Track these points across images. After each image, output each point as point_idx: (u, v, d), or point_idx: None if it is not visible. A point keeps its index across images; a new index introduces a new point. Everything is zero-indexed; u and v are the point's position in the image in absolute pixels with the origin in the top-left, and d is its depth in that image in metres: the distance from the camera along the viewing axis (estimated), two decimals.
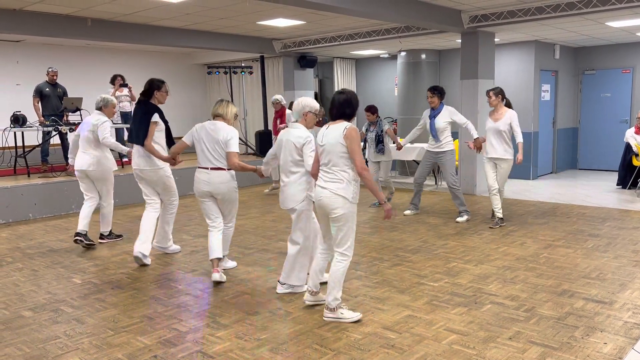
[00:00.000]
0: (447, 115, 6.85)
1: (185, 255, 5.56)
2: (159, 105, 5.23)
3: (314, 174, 3.89)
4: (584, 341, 3.35)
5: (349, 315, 3.73)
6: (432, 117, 6.88)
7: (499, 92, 6.45)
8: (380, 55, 12.68)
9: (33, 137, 9.24)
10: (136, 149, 5.22)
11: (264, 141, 11.31)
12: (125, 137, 8.58)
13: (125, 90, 9.82)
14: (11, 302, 4.28)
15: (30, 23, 7.54)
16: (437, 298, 4.16)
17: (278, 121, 9.39)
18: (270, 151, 4.47)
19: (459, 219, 6.88)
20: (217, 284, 4.58)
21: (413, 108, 11.26)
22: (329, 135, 3.63)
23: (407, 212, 7.37)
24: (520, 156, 6.32)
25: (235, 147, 4.54)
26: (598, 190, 9.03)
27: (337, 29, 9.53)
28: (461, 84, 8.95)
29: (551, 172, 11.49)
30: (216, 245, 4.60)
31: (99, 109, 5.80)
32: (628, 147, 8.99)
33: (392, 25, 9.07)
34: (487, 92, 6.51)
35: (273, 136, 9.83)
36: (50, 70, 9.00)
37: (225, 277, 4.68)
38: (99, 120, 5.70)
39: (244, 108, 12.49)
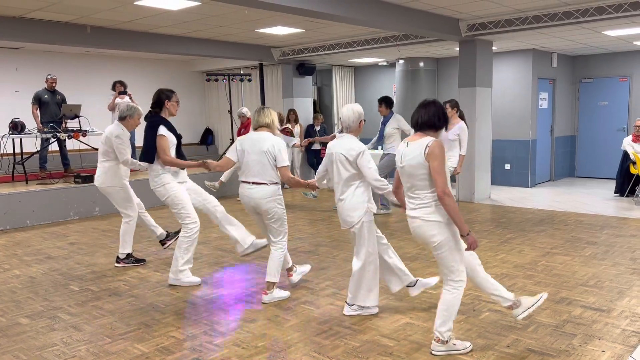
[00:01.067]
0: (395, 122, 7.59)
1: None
2: (170, 118, 4.84)
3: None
4: (582, 349, 3.35)
5: (461, 346, 3.32)
6: (382, 123, 7.65)
7: (455, 105, 6.75)
8: (379, 63, 12.73)
9: (31, 143, 9.24)
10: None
11: None
12: None
13: (126, 98, 9.80)
14: (8, 309, 4.26)
15: (30, 30, 7.57)
16: (435, 306, 4.13)
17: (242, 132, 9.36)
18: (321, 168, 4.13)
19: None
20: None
21: (411, 115, 11.26)
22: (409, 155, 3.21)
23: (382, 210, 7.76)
24: (458, 169, 6.67)
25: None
26: (596, 198, 9.05)
27: (335, 36, 9.58)
28: (459, 92, 8.98)
29: (549, 180, 11.52)
30: (271, 266, 4.29)
31: (123, 118, 5.32)
32: (625, 155, 9.01)
33: (391, 34, 9.11)
34: (444, 103, 6.64)
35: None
36: (49, 77, 9.02)
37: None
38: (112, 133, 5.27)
39: None
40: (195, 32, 8.94)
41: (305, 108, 11.47)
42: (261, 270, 5.22)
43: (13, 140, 8.75)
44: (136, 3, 6.65)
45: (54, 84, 9.03)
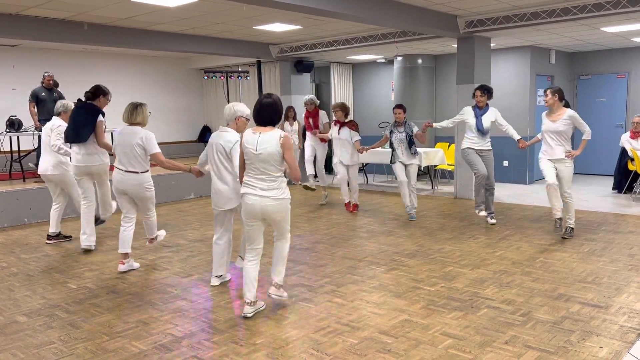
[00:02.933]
0: (493, 115, 6.86)
1: (181, 260, 5.54)
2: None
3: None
4: (580, 345, 3.35)
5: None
6: (479, 115, 6.78)
7: (557, 92, 6.06)
8: (377, 60, 12.71)
9: (29, 141, 9.22)
10: (78, 148, 5.63)
11: None
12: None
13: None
14: (5, 308, 4.26)
15: (27, 27, 7.53)
16: (433, 302, 4.15)
17: (310, 121, 8.78)
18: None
19: (491, 221, 6.84)
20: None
21: (409, 113, 11.21)
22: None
23: (484, 215, 6.85)
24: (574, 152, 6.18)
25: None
26: (594, 195, 9.06)
27: (333, 33, 9.56)
28: (457, 88, 8.97)
29: None
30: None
31: (58, 114, 6.06)
32: (623, 151, 9.02)
33: (389, 30, 9.10)
34: (545, 91, 6.12)
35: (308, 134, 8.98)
36: (46, 74, 8.98)
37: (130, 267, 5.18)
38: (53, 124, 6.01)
39: None
40: (192, 29, 8.91)
41: (303, 105, 11.43)
42: (259, 268, 5.21)
43: (10, 138, 8.73)
44: (133, 0, 6.62)
45: (51, 82, 9.00)
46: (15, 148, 8.91)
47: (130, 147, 4.88)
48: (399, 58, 11.46)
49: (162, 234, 5.68)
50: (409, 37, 8.93)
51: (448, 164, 10.09)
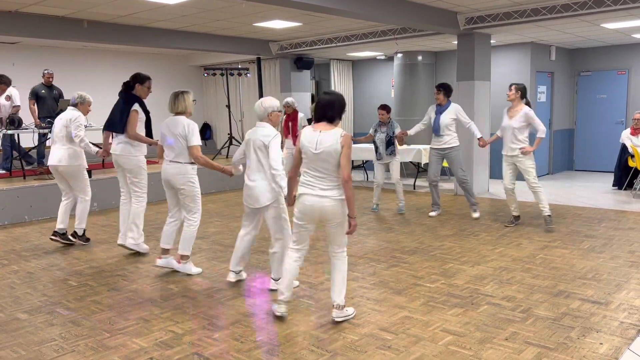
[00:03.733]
0: (453, 112, 6.94)
1: None
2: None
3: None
4: (580, 342, 3.36)
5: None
6: (438, 113, 6.96)
7: (520, 88, 6.27)
8: (377, 57, 12.70)
9: (29, 139, 9.22)
10: (116, 138, 5.42)
11: None
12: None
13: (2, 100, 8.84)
14: (6, 305, 4.26)
15: (26, 25, 7.53)
16: (433, 299, 4.16)
17: (290, 125, 8.70)
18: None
19: (474, 215, 7.06)
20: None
21: (410, 110, 11.28)
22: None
23: (432, 213, 7.33)
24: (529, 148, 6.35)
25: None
26: (594, 191, 9.06)
27: (333, 30, 9.54)
28: (457, 85, 8.96)
29: (547, 174, 11.52)
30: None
31: (75, 105, 5.87)
32: (624, 148, 9.01)
33: (389, 27, 9.09)
34: (510, 86, 6.35)
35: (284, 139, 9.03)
36: (46, 72, 8.98)
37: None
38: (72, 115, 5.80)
39: (240, 110, 12.48)
40: (192, 26, 8.91)
41: (303, 102, 11.44)
42: (260, 265, 5.23)
43: (10, 135, 8.72)
44: None
45: (50, 79, 9.00)
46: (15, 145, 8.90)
47: (175, 137, 4.70)
48: (399, 55, 11.44)
49: (196, 270, 4.98)
50: (409, 33, 8.92)
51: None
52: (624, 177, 9.04)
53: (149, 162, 5.80)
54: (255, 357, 3.26)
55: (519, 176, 6.56)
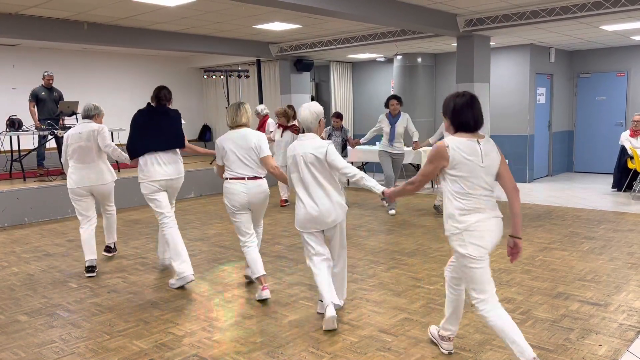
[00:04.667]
0: (405, 121, 7.77)
1: None
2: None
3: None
4: (579, 343, 3.36)
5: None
6: (393, 123, 7.69)
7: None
8: (377, 59, 12.71)
9: (29, 141, 9.22)
10: (161, 157, 4.73)
11: None
12: None
13: None
14: (7, 307, 4.27)
15: (26, 27, 7.54)
16: (433, 301, 4.17)
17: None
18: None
19: (391, 212, 7.62)
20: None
21: (409, 111, 11.21)
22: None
23: (392, 211, 7.68)
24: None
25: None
26: (593, 193, 9.06)
27: (333, 32, 9.56)
28: (457, 87, 8.97)
29: (547, 175, 11.53)
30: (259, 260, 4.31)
31: (91, 117, 5.23)
32: (623, 150, 9.02)
33: (388, 29, 9.10)
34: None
35: None
36: (46, 74, 8.99)
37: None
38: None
39: None
40: (192, 29, 8.92)
41: (303, 104, 11.45)
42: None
43: (10, 137, 8.73)
44: None
45: (51, 81, 9.00)
46: (15, 147, 8.91)
47: (247, 151, 4.25)
48: (399, 57, 11.46)
49: (265, 293, 4.26)
50: (408, 35, 8.94)
51: None
52: (623, 178, 9.04)
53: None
54: (255, 358, 3.27)
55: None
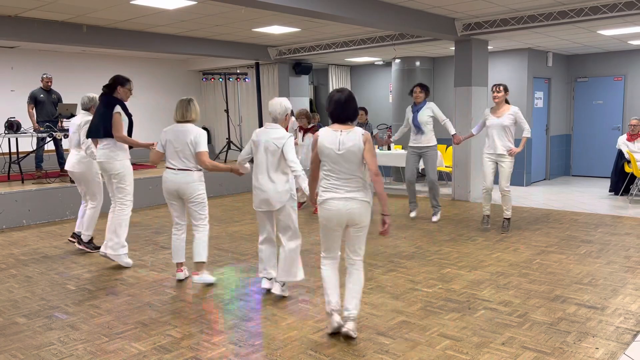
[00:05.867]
0: (430, 110, 7.13)
1: None
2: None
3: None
4: (576, 346, 3.38)
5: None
6: (415, 111, 7.14)
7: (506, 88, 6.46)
8: (375, 62, 12.75)
9: (27, 143, 9.22)
10: (100, 143, 5.29)
11: None
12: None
13: None
14: (5, 309, 4.27)
15: (25, 29, 7.55)
16: (431, 304, 4.18)
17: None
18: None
19: (434, 218, 7.26)
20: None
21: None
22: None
23: (413, 214, 7.54)
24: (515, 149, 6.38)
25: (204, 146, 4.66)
26: (591, 197, 9.10)
27: (332, 36, 9.59)
28: (455, 91, 9.01)
29: (544, 179, 11.56)
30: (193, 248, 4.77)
31: (87, 109, 5.85)
32: (620, 154, 9.06)
33: (387, 33, 9.14)
34: (498, 87, 6.42)
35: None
36: (44, 76, 9.00)
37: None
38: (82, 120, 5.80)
39: (239, 115, 12.52)
40: (191, 32, 8.94)
41: (301, 107, 11.46)
42: (258, 269, 5.23)
43: (9, 139, 8.73)
44: (132, 2, 6.64)
45: (49, 83, 9.01)
46: (13, 150, 8.91)
47: (183, 146, 4.58)
48: (397, 60, 11.50)
49: (209, 279, 4.77)
50: (407, 39, 8.97)
51: (445, 166, 10.12)
52: (621, 182, 9.08)
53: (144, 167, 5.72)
54: None
55: (512, 181, 6.65)
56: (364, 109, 7.82)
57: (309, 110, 8.19)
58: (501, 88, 6.40)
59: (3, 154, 8.87)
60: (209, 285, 4.74)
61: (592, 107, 11.59)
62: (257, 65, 11.97)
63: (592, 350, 3.33)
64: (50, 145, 9.13)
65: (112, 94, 5.26)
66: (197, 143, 4.59)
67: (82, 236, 6.00)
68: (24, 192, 7.61)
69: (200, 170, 4.69)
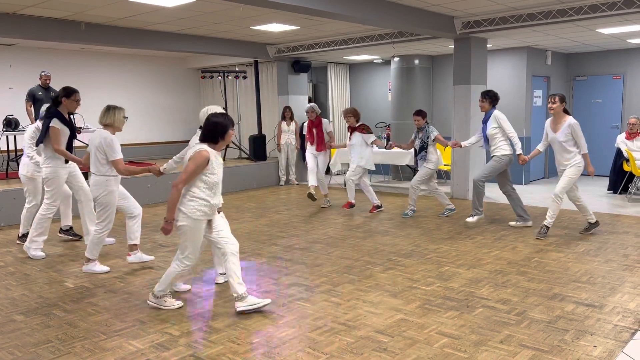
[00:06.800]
0: (494, 121, 6.71)
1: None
2: (70, 113, 5.74)
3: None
4: (574, 344, 3.38)
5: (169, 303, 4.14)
6: (483, 122, 6.82)
7: (563, 98, 5.96)
8: (374, 61, 12.74)
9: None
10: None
11: (257, 146, 11.33)
12: None
13: None
14: (3, 306, 4.26)
15: (23, 27, 7.53)
16: (429, 302, 4.18)
17: (314, 132, 8.33)
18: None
19: (513, 223, 6.83)
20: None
21: (406, 113, 11.31)
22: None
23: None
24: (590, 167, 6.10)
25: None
26: (589, 195, 9.10)
27: (330, 34, 9.58)
28: (454, 89, 9.01)
29: (543, 177, 11.57)
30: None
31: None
32: (619, 152, 9.07)
33: (386, 31, 9.13)
34: (551, 97, 5.97)
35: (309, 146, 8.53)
36: (43, 74, 8.98)
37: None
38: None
39: (237, 113, 12.51)
40: (190, 29, 8.92)
41: (300, 105, 11.47)
42: (256, 267, 5.24)
43: (7, 137, 8.72)
44: (131, 0, 6.63)
45: (48, 81, 8.99)
46: (12, 147, 8.90)
47: (97, 148, 4.97)
48: (396, 58, 11.49)
49: (100, 269, 5.20)
50: (406, 37, 8.96)
51: (445, 165, 10.12)
52: (619, 181, 9.09)
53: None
54: (251, 359, 3.27)
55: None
56: (420, 112, 7.39)
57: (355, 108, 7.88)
58: (556, 99, 5.90)
59: (1, 151, 8.86)
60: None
61: (591, 106, 11.59)
62: (256, 63, 11.96)
63: (590, 348, 3.33)
64: None
65: (57, 107, 5.59)
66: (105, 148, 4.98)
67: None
68: (22, 190, 7.58)
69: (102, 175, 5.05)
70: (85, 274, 5.09)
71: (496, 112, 6.76)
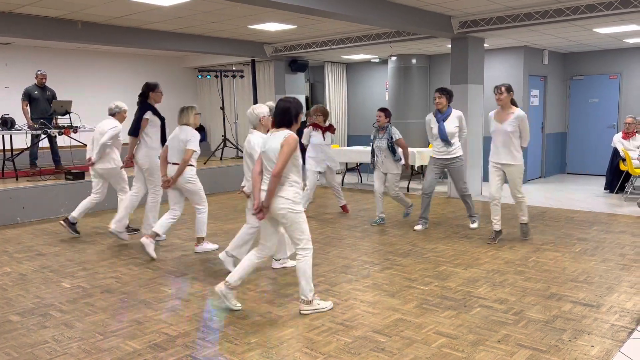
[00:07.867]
0: (456, 119, 6.38)
1: (175, 259, 5.54)
2: (156, 105, 6.12)
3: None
4: (572, 344, 3.38)
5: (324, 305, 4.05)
6: (441, 120, 6.35)
7: (509, 88, 5.72)
8: (371, 60, 12.74)
9: (21, 140, 9.16)
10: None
11: None
12: None
13: None
14: None
15: (20, 25, 7.50)
16: (426, 302, 4.18)
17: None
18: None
19: (473, 225, 6.67)
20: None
21: (404, 112, 11.33)
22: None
23: (418, 227, 6.64)
24: None
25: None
26: (586, 195, 9.12)
27: (328, 33, 9.57)
28: (451, 89, 8.99)
29: (540, 177, 11.59)
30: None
31: (113, 115, 6.40)
32: (615, 152, 9.09)
33: (383, 30, 9.12)
34: (497, 88, 5.75)
35: None
36: (39, 73, 8.94)
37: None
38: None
39: (234, 112, 12.48)
40: (187, 28, 8.90)
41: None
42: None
43: (3, 136, 8.68)
44: None
45: (44, 80, 8.96)
46: (8, 147, 8.86)
47: (178, 143, 5.46)
48: (393, 58, 11.49)
49: (211, 246, 5.84)
50: (403, 37, 8.97)
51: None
52: (616, 180, 9.11)
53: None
54: (248, 359, 3.26)
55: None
56: (384, 110, 6.78)
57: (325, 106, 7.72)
58: (503, 89, 5.73)
59: None
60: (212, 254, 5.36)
61: (587, 105, 11.61)
62: (253, 62, 11.94)
63: (588, 347, 3.33)
64: (44, 143, 9.08)
65: (146, 99, 6.02)
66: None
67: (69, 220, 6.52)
68: (18, 190, 7.57)
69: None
70: (83, 275, 5.07)
71: (458, 111, 6.49)
